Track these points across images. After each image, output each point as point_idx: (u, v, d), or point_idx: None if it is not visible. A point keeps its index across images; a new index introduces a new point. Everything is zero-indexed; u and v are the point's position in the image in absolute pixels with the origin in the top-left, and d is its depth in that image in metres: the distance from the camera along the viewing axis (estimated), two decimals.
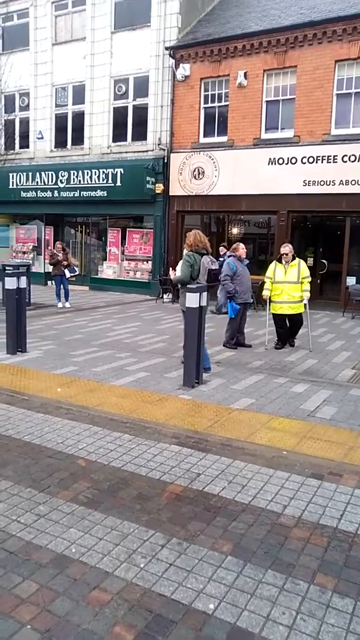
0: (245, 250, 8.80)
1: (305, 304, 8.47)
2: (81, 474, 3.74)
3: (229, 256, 8.75)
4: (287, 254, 8.50)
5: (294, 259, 8.54)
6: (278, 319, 8.60)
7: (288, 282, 8.39)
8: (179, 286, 6.85)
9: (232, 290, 8.36)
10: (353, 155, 13.14)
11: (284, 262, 8.52)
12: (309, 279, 8.52)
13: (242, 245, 8.77)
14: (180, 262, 6.83)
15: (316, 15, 13.65)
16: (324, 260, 15.24)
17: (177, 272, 6.80)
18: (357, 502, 3.44)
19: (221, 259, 10.53)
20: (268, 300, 8.71)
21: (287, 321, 8.58)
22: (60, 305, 13.20)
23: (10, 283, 7.60)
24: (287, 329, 8.64)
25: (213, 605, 2.42)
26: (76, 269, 14.08)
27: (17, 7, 18.57)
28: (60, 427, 4.68)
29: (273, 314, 8.65)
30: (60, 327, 10.13)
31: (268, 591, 2.53)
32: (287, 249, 8.56)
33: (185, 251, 6.93)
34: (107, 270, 17.82)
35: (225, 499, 3.44)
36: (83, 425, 4.72)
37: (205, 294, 6.31)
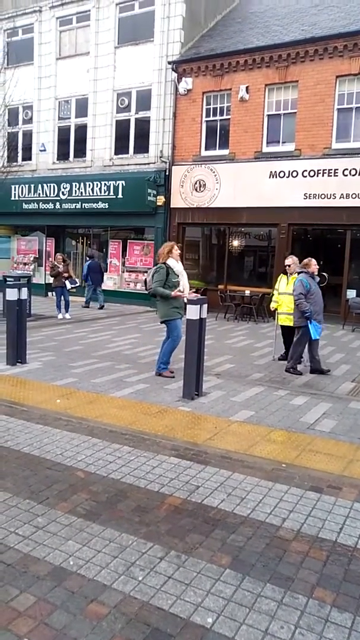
0: (317, 267, 7.98)
1: None
2: (80, 485, 3.73)
3: (299, 272, 7.96)
4: (289, 266, 8.53)
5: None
6: (281, 330, 8.70)
7: (287, 293, 8.40)
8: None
9: (308, 310, 7.54)
10: (354, 169, 13.23)
11: (288, 273, 8.56)
12: None
13: (314, 260, 7.98)
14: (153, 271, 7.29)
15: (317, 32, 13.82)
16: (324, 273, 15.19)
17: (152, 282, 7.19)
18: (357, 515, 3.43)
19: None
20: (275, 312, 8.78)
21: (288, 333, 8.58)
22: (60, 316, 13.23)
23: (11, 294, 7.63)
24: (288, 340, 8.64)
25: (211, 619, 2.41)
26: (77, 280, 14.14)
27: (23, 22, 18.81)
28: (59, 438, 4.67)
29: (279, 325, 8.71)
30: (60, 339, 10.14)
31: (267, 605, 2.52)
32: (288, 260, 8.59)
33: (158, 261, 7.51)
34: (108, 282, 17.83)
35: (224, 511, 3.43)
36: (82, 437, 4.71)
37: (205, 306, 6.37)
